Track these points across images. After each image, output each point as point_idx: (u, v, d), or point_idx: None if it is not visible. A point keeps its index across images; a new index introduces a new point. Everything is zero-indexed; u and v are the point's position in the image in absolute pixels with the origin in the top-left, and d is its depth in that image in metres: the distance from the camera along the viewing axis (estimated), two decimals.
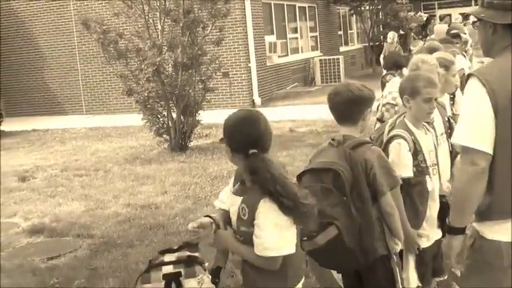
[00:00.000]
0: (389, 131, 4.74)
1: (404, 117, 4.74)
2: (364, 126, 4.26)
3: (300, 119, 16.98)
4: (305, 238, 3.95)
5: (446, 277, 5.84)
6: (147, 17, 13.53)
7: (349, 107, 4.19)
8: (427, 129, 4.75)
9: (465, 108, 3.43)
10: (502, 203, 3.33)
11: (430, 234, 4.70)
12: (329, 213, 3.94)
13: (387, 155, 4.51)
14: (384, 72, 10.20)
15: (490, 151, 3.26)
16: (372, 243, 4.02)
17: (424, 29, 31.82)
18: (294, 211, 3.27)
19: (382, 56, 20.18)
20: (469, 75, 3.40)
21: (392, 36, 20.68)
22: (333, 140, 4.17)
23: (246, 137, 3.52)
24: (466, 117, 3.37)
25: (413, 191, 4.55)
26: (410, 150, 4.52)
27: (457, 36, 11.32)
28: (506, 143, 3.25)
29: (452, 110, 6.28)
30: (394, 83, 7.74)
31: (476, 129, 3.28)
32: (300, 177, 4.18)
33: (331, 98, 4.27)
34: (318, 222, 3.74)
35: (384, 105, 7.90)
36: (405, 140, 4.52)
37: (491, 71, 3.40)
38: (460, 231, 3.47)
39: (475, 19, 3.61)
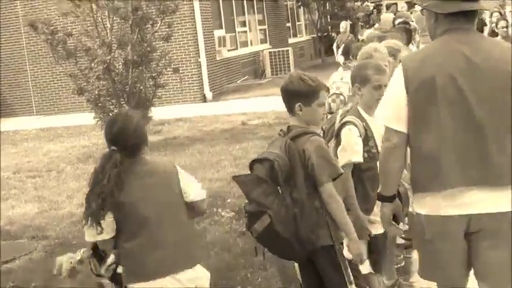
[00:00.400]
0: (341, 120, 4.82)
1: (357, 104, 4.82)
2: (311, 117, 4.28)
3: (252, 112, 17.05)
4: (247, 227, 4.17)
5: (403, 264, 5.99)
6: (95, 16, 13.45)
7: (287, 98, 4.32)
8: None
9: (387, 91, 3.83)
10: (418, 177, 3.63)
11: None
12: (262, 201, 4.04)
13: (340, 142, 4.61)
14: (342, 60, 10.26)
15: (403, 130, 3.58)
16: (307, 233, 4.07)
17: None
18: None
19: (335, 45, 20.41)
20: (400, 61, 3.72)
21: (345, 25, 20.97)
22: (281, 130, 4.28)
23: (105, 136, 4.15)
24: (385, 99, 3.78)
25: (364, 176, 4.63)
26: (361, 136, 4.59)
27: (405, 26, 11.36)
28: (418, 125, 3.53)
29: None
30: (337, 73, 8.06)
31: (390, 110, 3.65)
32: (251, 166, 4.29)
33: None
34: (254, 210, 4.03)
35: (329, 96, 7.84)
36: (356, 126, 4.59)
37: (415, 57, 3.79)
38: (387, 199, 3.78)
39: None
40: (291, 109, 4.28)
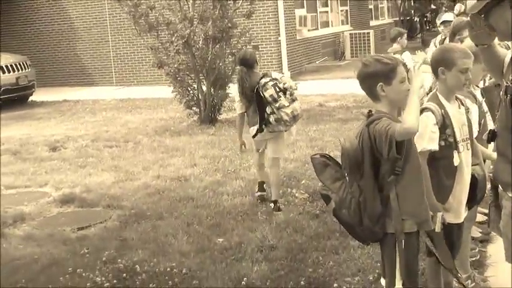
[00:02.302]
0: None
1: (436, 90, 4.68)
2: (395, 95, 4.08)
3: (330, 94, 16.92)
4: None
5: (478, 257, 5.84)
6: None
7: (368, 83, 4.14)
8: (461, 103, 4.66)
9: None
10: None
11: (457, 210, 4.60)
12: (328, 185, 4.12)
13: None
14: None
15: None
16: (371, 223, 4.05)
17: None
18: None
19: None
20: None
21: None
22: (368, 112, 4.12)
23: None
24: None
25: (439, 165, 4.48)
26: (437, 123, 4.43)
27: None
28: None
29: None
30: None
31: None
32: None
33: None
34: (323, 193, 4.17)
35: None
36: (433, 113, 4.46)
37: None
38: None
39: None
40: (372, 94, 4.12)
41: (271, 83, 7.51)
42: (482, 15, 3.52)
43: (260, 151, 8.12)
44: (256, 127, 7.68)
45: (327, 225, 6.96)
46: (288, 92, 7.54)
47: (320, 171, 4.14)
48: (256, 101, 7.58)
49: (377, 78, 4.07)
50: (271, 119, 7.51)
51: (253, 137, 7.84)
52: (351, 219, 4.06)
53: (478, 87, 5.32)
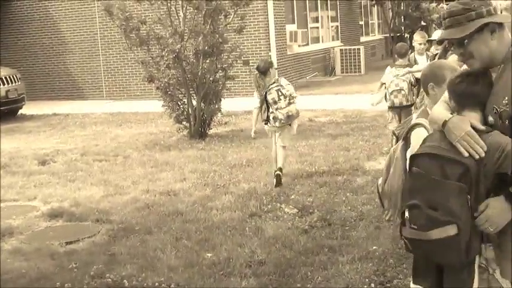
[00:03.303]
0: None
1: (425, 106, 4.70)
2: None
3: (320, 109, 16.96)
4: (414, 226, 3.65)
5: None
6: (169, 4, 13.56)
7: (483, 90, 3.73)
8: None
9: None
10: None
11: None
12: (456, 212, 3.57)
13: (408, 144, 4.48)
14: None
15: None
16: (477, 244, 3.69)
17: None
18: None
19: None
20: None
21: None
22: None
23: None
24: None
25: None
26: None
27: None
28: None
29: None
30: (389, 72, 10.32)
31: None
32: (415, 158, 3.83)
33: (460, 80, 3.81)
34: (441, 218, 3.55)
35: (391, 93, 10.24)
36: (425, 128, 4.48)
37: None
38: None
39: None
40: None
41: (275, 88, 9.51)
42: (465, 42, 3.51)
43: (271, 137, 9.95)
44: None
45: (315, 240, 6.97)
46: (287, 97, 9.43)
47: (451, 196, 3.55)
48: (265, 101, 9.52)
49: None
50: (271, 116, 9.46)
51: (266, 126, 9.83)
52: (466, 243, 3.60)
53: None
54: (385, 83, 10.62)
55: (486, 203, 3.48)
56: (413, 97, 10.33)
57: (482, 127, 3.50)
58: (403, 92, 10.27)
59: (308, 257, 6.47)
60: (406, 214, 3.69)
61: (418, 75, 10.05)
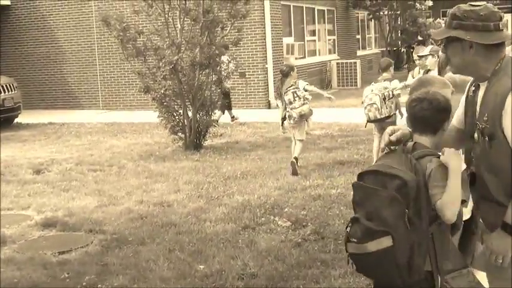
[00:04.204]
0: None
1: None
2: (440, 138, 3.94)
3: (316, 122, 16.89)
4: (354, 240, 3.69)
5: None
6: (166, 16, 13.59)
7: (434, 116, 3.86)
8: None
9: None
10: None
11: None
12: (390, 222, 3.61)
13: None
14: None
15: None
16: (420, 263, 3.68)
17: None
18: None
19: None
20: None
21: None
22: (404, 144, 3.88)
23: None
24: None
25: None
26: None
27: None
28: None
29: None
30: (368, 87, 10.62)
31: None
32: (361, 175, 3.88)
33: (413, 105, 3.92)
34: (376, 228, 3.61)
35: (365, 107, 10.50)
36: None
37: None
38: None
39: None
40: (431, 127, 3.89)
41: (292, 90, 10.95)
42: (442, 44, 3.69)
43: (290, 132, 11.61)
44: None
45: (308, 253, 6.97)
46: (301, 98, 10.85)
47: (384, 206, 3.64)
48: (283, 101, 11.07)
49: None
50: (287, 115, 11.03)
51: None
52: (402, 259, 3.63)
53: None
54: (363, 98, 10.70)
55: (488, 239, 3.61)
56: (387, 110, 10.32)
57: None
58: (375, 105, 10.29)
59: (300, 271, 6.47)
60: (348, 229, 3.74)
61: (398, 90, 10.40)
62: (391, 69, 11.25)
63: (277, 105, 13.39)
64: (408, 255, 3.62)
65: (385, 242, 3.61)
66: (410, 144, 3.84)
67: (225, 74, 14.41)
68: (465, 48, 3.55)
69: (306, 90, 11.18)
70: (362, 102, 10.59)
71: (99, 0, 22.59)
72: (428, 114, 3.80)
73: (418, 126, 3.86)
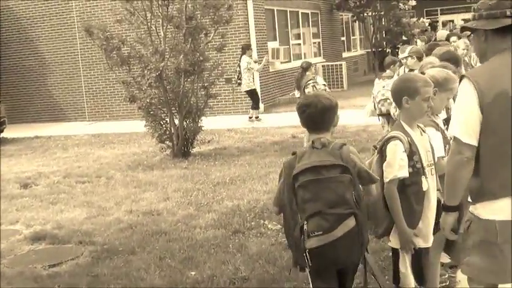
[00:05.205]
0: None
1: (400, 118, 4.77)
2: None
3: None
4: (318, 233, 4.10)
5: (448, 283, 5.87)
6: (149, 24, 13.52)
7: (322, 116, 4.41)
8: (422, 130, 4.81)
9: (457, 105, 3.92)
10: (489, 185, 3.78)
11: (426, 235, 4.75)
12: (352, 204, 4.14)
13: (384, 158, 4.57)
14: None
15: (475, 143, 3.75)
16: (368, 237, 4.28)
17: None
18: None
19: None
20: (462, 76, 3.85)
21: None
22: (313, 143, 4.32)
23: None
24: (457, 113, 3.88)
25: (408, 191, 4.61)
26: (405, 151, 4.56)
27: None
28: (491, 136, 3.71)
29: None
30: (379, 83, 10.71)
31: (464, 124, 3.77)
32: (296, 176, 4.24)
33: (303, 109, 4.46)
34: (346, 212, 4.11)
35: (378, 102, 10.58)
36: (401, 141, 4.56)
37: (481, 72, 3.88)
38: (453, 208, 3.97)
39: (469, 32, 4.16)
40: (323, 125, 4.49)
41: (311, 83, 12.27)
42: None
43: None
44: None
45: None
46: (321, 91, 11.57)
47: (347, 189, 4.17)
48: (304, 94, 11.76)
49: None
50: None
51: None
52: (362, 237, 4.26)
53: (438, 116, 5.35)
54: (374, 94, 10.92)
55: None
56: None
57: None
58: (388, 100, 10.50)
59: (291, 273, 6.45)
60: (305, 227, 4.14)
61: None
62: (393, 66, 11.66)
63: (294, 94, 15.01)
64: (367, 231, 4.26)
65: (350, 223, 4.10)
66: (318, 141, 4.31)
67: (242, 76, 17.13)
68: (480, 36, 3.89)
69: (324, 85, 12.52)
70: (373, 98, 10.76)
71: (81, 11, 22.52)
72: (318, 116, 4.39)
73: (312, 127, 4.46)
